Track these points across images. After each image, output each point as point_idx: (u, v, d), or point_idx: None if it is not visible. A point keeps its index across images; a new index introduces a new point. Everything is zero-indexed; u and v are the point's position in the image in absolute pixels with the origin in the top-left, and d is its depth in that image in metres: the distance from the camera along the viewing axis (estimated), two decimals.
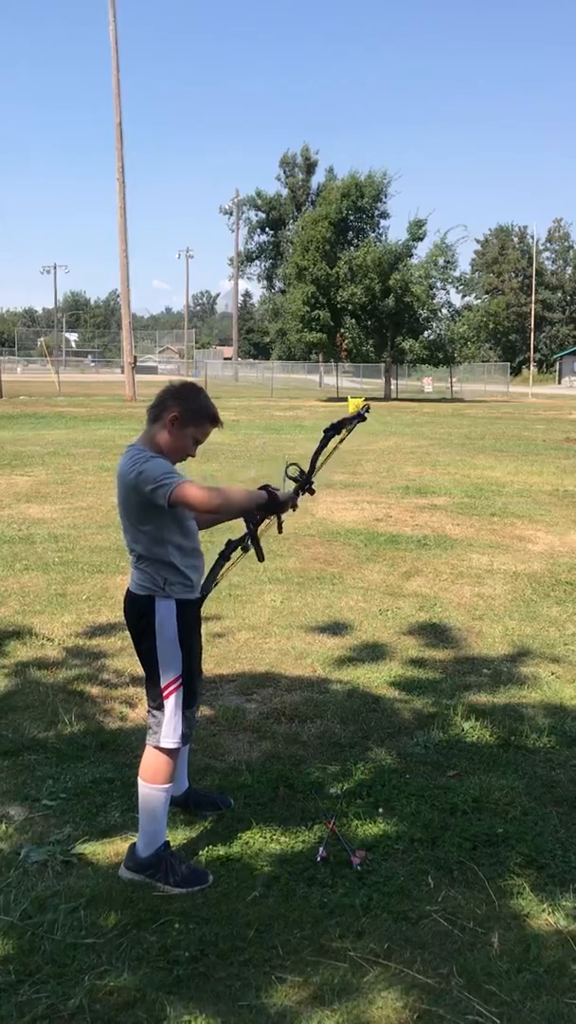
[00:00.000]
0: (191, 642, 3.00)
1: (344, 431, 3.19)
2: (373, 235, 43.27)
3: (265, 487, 2.98)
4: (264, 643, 5.40)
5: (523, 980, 2.50)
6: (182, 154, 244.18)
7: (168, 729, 2.92)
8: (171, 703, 2.92)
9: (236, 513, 3.06)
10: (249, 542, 3.15)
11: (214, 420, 2.94)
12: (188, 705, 2.99)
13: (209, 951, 2.58)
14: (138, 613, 2.96)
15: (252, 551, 3.20)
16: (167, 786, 2.95)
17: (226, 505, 2.91)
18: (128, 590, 3.03)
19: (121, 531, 3.00)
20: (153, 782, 2.93)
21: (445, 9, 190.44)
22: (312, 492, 3.12)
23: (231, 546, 3.21)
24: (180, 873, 2.91)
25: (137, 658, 3.05)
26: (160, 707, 2.93)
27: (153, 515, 2.82)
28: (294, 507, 3.03)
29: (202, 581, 3.08)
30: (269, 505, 2.95)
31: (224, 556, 3.24)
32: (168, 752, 2.94)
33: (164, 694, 2.92)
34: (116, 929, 2.67)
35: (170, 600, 2.92)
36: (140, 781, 2.96)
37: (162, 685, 2.92)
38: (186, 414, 2.88)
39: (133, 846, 2.99)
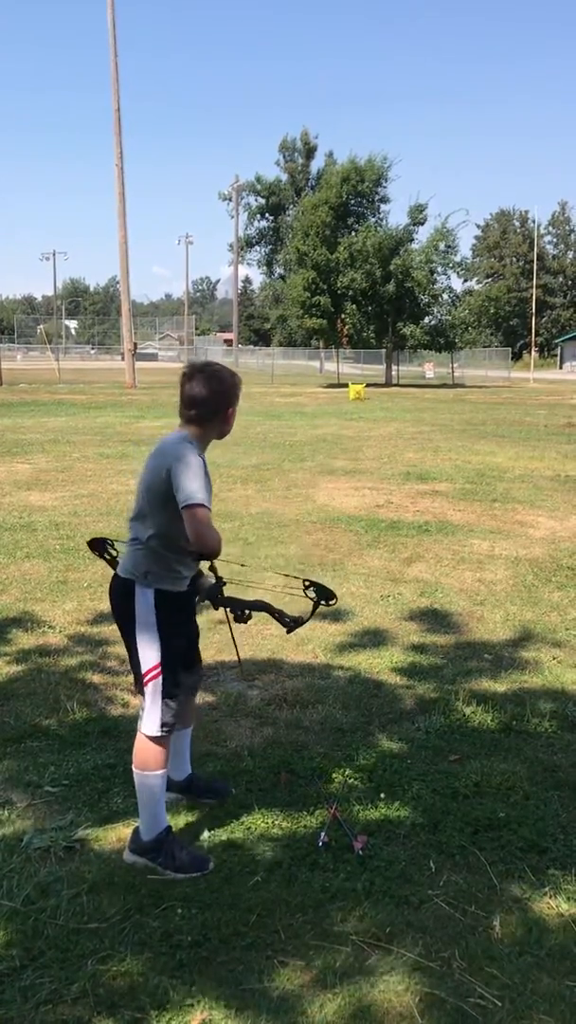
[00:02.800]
0: (173, 633, 2.95)
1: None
2: (373, 220, 43.00)
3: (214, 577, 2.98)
4: (265, 629, 5.39)
5: (524, 963, 2.51)
6: (181, 139, 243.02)
7: (149, 717, 2.91)
8: (151, 690, 2.91)
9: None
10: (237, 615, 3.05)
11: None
12: (172, 696, 2.93)
13: (211, 936, 2.59)
14: (120, 596, 2.97)
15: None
16: (159, 772, 2.94)
17: (209, 551, 2.80)
18: (115, 572, 3.02)
19: (124, 518, 2.99)
20: (144, 769, 2.93)
21: None
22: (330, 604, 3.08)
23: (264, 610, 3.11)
24: (181, 859, 2.91)
25: None
26: (144, 693, 2.93)
27: (172, 505, 2.78)
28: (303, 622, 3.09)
29: (197, 586, 3.05)
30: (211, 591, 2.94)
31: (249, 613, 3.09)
32: (154, 739, 2.93)
33: (144, 680, 2.92)
34: (119, 914, 2.68)
35: (149, 589, 2.90)
36: (133, 768, 2.96)
37: (142, 671, 2.92)
38: (233, 403, 3.06)
39: (137, 830, 3.00)
